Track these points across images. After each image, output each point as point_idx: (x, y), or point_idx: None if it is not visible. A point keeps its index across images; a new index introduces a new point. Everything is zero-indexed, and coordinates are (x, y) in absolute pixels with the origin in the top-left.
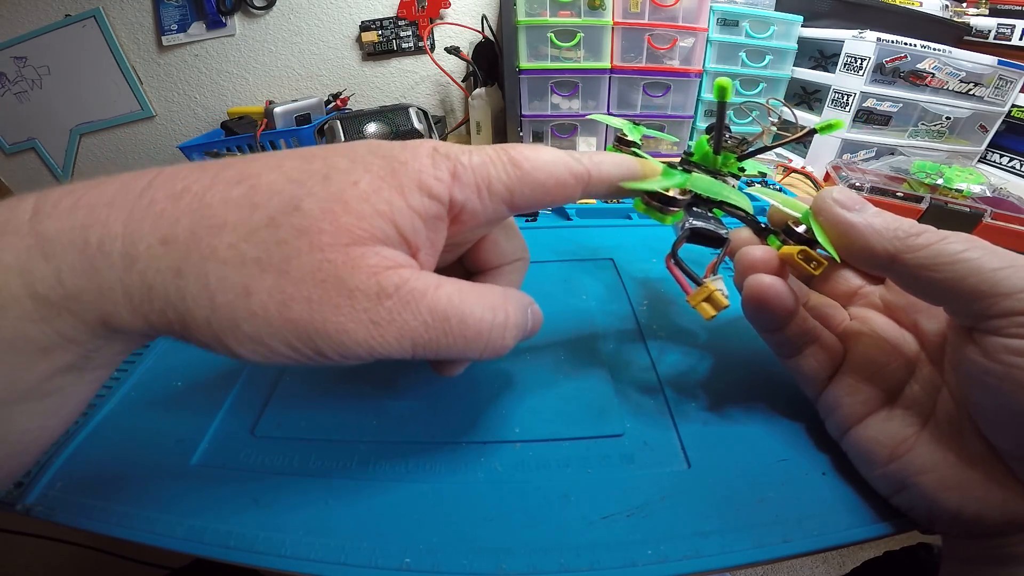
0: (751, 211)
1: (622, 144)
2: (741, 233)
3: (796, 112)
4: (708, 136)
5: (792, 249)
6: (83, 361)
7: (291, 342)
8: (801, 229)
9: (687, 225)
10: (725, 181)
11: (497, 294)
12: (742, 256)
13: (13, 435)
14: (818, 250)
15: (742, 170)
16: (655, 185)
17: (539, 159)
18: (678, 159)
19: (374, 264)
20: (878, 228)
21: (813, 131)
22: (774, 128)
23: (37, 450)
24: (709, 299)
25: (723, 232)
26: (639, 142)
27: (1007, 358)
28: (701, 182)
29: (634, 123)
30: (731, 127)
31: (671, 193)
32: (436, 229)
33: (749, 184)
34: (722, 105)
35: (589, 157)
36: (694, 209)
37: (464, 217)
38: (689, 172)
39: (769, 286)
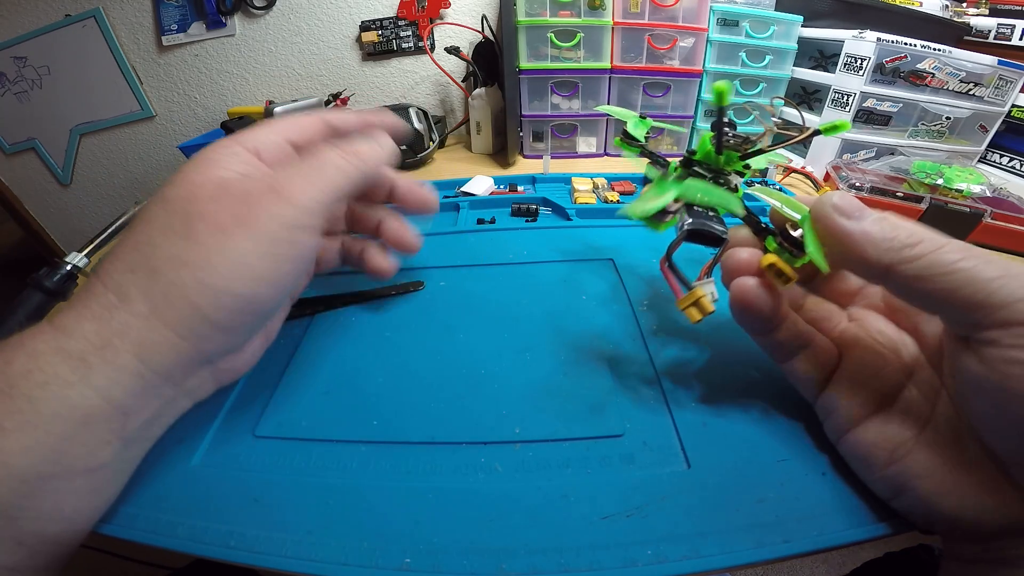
0: (743, 214)
1: (627, 139)
2: (740, 232)
3: (802, 113)
4: (711, 135)
5: (766, 260)
6: (121, 425)
7: (258, 251)
8: (798, 233)
9: (685, 225)
10: (728, 179)
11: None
12: (728, 258)
13: (67, 511)
14: (802, 258)
15: (747, 167)
16: (653, 208)
17: (293, 117)
18: (680, 158)
19: (246, 187)
20: (874, 238)
21: (817, 132)
22: (776, 128)
23: (86, 526)
24: (696, 304)
25: (721, 231)
26: (644, 139)
27: (1004, 368)
28: (694, 190)
29: (641, 116)
30: (736, 125)
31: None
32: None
33: (750, 184)
34: (721, 109)
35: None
36: (694, 208)
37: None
38: (687, 175)
39: (750, 289)
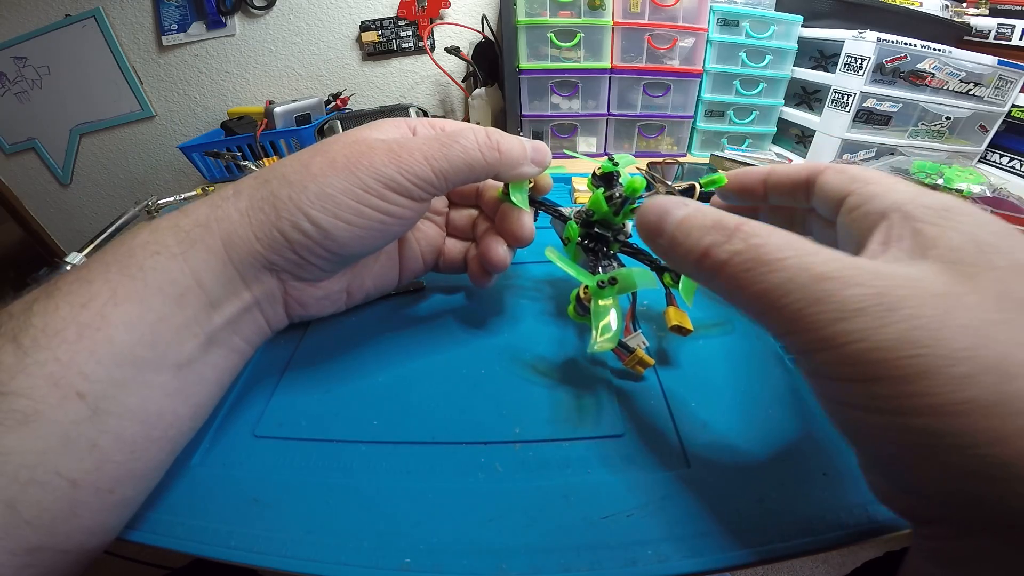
0: (656, 285)
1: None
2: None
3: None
4: (602, 193)
5: (669, 322)
6: (207, 315)
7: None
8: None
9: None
10: (625, 230)
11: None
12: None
13: (150, 413)
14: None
15: (633, 211)
16: (618, 337)
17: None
18: (576, 215)
19: (373, 142)
20: (689, 224)
21: (693, 187)
22: (667, 185)
23: (169, 447)
24: (640, 362)
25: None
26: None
27: (842, 410)
28: (629, 286)
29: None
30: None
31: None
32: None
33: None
34: (631, 199)
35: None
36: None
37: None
38: (587, 236)
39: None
